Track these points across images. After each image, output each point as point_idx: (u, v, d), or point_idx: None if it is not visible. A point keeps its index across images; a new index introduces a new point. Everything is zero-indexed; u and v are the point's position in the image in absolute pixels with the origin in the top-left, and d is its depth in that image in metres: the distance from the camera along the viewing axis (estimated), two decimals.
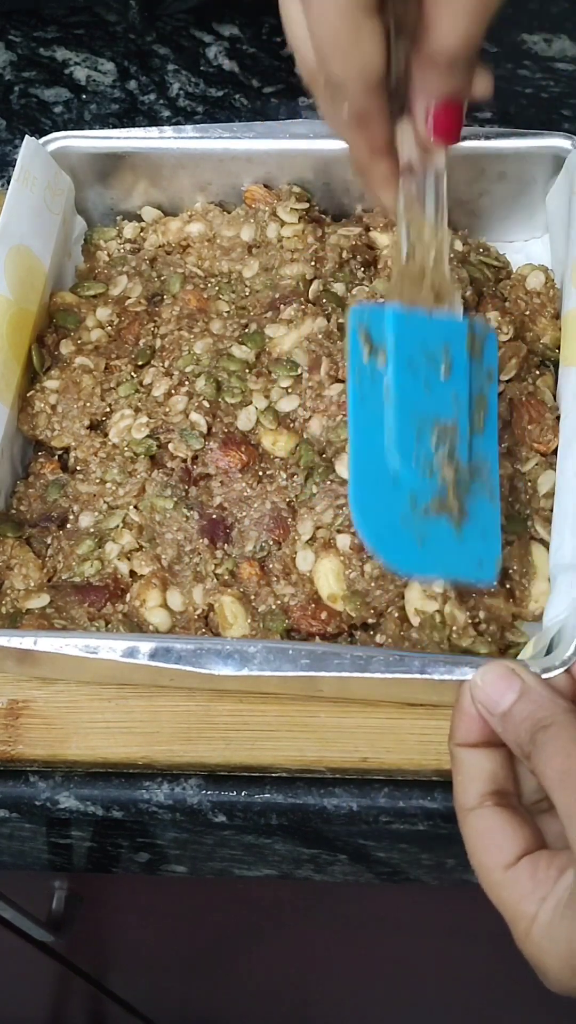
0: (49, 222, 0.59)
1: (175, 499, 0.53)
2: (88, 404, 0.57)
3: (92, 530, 0.53)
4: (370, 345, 0.48)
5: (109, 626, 0.50)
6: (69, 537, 0.53)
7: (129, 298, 0.61)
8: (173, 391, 0.56)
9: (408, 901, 0.77)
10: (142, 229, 0.64)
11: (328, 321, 0.57)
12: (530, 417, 0.54)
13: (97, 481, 0.55)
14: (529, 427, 0.54)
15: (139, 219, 0.64)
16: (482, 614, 0.49)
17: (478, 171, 0.59)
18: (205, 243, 0.62)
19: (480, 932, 0.72)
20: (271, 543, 0.52)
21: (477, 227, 0.62)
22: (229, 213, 0.62)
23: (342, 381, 0.55)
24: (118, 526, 0.53)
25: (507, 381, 0.55)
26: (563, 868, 0.36)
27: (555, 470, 0.52)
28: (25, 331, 0.57)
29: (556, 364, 0.56)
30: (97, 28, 0.79)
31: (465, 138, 0.56)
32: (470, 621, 0.49)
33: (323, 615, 0.50)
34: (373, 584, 0.50)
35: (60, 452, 0.57)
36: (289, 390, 0.55)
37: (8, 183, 0.59)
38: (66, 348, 0.59)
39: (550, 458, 0.53)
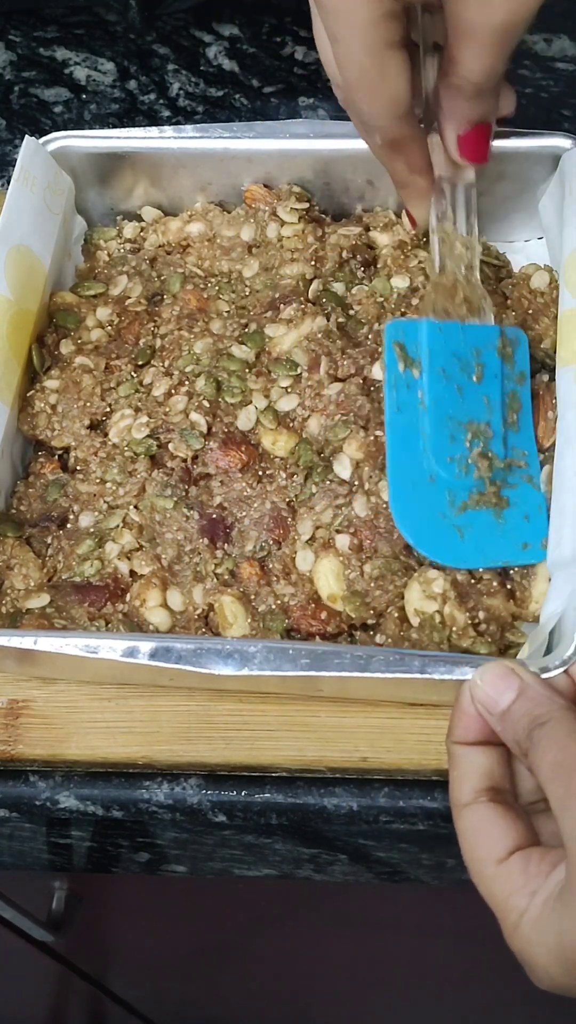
0: (49, 222, 0.59)
1: (175, 499, 0.53)
2: (88, 404, 0.57)
3: (92, 530, 0.53)
4: (406, 358, 0.52)
5: (109, 626, 0.50)
6: (69, 537, 0.53)
7: (129, 298, 0.61)
8: (173, 391, 0.56)
9: (408, 901, 0.77)
10: (142, 229, 0.64)
11: (328, 320, 0.57)
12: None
13: (97, 481, 0.55)
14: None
15: (139, 219, 0.64)
16: (482, 614, 0.49)
17: (478, 171, 0.58)
18: (205, 243, 0.62)
19: (480, 932, 0.72)
20: (271, 543, 0.52)
21: (477, 227, 0.62)
22: (229, 213, 0.62)
23: (341, 380, 0.55)
24: (118, 526, 0.53)
25: None
26: (555, 863, 0.36)
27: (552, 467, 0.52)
28: (25, 331, 0.57)
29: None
30: (97, 28, 0.79)
31: None
32: (470, 622, 0.49)
33: (323, 615, 0.50)
34: (373, 584, 0.50)
35: (60, 452, 0.57)
36: (289, 389, 0.55)
37: (8, 183, 0.59)
38: (66, 348, 0.59)
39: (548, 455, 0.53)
